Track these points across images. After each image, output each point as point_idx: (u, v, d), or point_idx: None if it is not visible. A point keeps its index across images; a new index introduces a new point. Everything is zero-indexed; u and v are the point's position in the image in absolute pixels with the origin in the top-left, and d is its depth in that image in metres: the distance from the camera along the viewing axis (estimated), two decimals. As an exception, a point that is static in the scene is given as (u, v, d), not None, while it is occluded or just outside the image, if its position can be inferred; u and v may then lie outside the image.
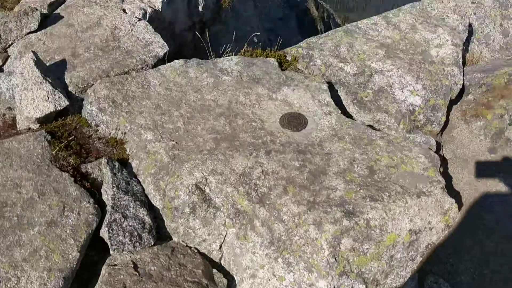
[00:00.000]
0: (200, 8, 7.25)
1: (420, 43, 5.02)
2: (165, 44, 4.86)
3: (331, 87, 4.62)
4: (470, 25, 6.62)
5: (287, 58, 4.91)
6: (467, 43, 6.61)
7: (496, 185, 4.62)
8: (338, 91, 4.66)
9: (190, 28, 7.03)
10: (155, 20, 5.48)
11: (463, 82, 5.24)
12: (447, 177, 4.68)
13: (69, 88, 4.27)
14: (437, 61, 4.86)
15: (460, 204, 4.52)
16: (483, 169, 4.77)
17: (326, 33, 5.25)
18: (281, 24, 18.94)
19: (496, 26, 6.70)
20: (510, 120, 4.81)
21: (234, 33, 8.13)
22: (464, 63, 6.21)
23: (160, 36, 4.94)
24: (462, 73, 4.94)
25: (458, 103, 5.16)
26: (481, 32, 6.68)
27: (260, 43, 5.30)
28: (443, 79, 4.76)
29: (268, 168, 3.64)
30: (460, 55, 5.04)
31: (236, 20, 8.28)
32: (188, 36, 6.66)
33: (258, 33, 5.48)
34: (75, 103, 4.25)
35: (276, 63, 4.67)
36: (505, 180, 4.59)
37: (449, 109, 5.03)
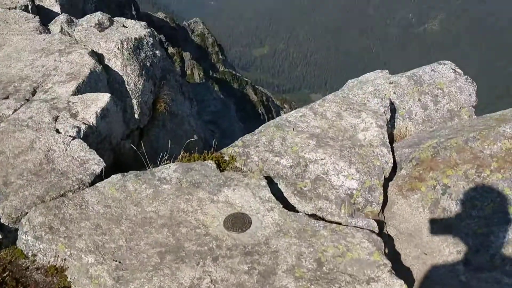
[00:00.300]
0: (136, 115, 7.40)
1: (347, 129, 5.33)
2: (101, 160, 4.86)
3: (271, 182, 4.73)
4: (392, 103, 7.14)
5: (225, 158, 5.02)
6: (392, 120, 7.07)
7: (442, 256, 4.74)
8: (278, 184, 4.77)
9: (128, 136, 7.11)
10: (90, 135, 5.51)
11: (394, 158, 5.54)
12: (396, 254, 4.77)
13: (2, 220, 4.11)
14: (366, 144, 5.15)
15: (411, 280, 4.58)
16: (428, 241, 4.91)
17: (259, 129, 5.47)
18: (221, 114, 19.55)
19: (415, 101, 7.26)
20: (442, 190, 5.06)
21: (173, 136, 8.27)
22: (393, 139, 6.60)
23: (95, 153, 4.95)
24: (390, 152, 5.23)
25: (394, 179, 5.40)
26: (403, 109, 7.20)
27: (197, 148, 5.42)
28: (374, 160, 5.01)
29: (216, 276, 3.58)
30: (386, 136, 5.36)
31: (174, 121, 8.48)
32: (126, 145, 6.70)
33: (194, 139, 5.62)
34: (9, 235, 4.07)
35: (214, 165, 4.76)
36: (449, 249, 4.73)
37: (385, 186, 5.24)
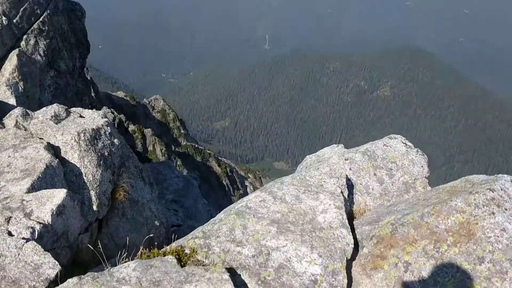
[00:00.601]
0: (95, 207, 7.24)
1: (307, 212, 5.39)
2: (56, 263, 4.67)
3: (234, 273, 4.65)
4: (349, 180, 7.32)
5: (186, 252, 4.93)
6: (351, 195, 7.22)
7: (411, 337, 4.69)
8: (241, 275, 4.69)
9: (86, 229, 6.90)
10: (45, 235, 5.32)
11: (355, 237, 5.60)
12: None
13: None
14: (326, 226, 5.20)
15: None
16: (396, 322, 4.87)
17: (220, 217, 5.45)
18: (183, 193, 19.33)
19: (371, 176, 7.48)
20: (404, 267, 5.11)
21: (133, 224, 8.10)
22: (353, 216, 6.71)
23: (50, 256, 4.76)
24: (350, 233, 5.29)
25: (356, 258, 5.42)
26: (361, 184, 7.39)
27: (157, 240, 5.31)
28: (336, 243, 5.05)
29: None
30: (345, 216, 5.45)
31: (134, 209, 8.33)
32: (84, 240, 6.50)
33: (152, 235, 5.52)
34: None
35: (175, 261, 4.66)
36: (417, 329, 4.70)
37: (349, 267, 5.24)
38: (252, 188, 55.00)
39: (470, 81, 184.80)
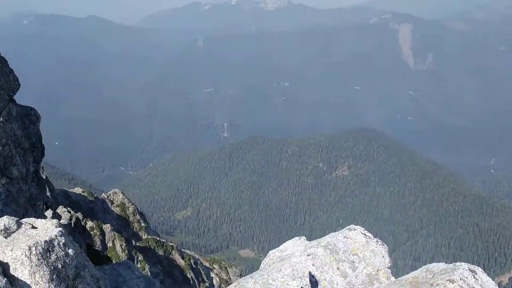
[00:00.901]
0: (46, 327, 6.73)
1: (271, 320, 5.23)
2: None
3: None
4: (313, 276, 7.23)
5: None
6: (316, 293, 7.09)
7: None
8: None
9: None
10: None
11: None
12: None
13: None
14: (292, 334, 5.03)
15: None
16: None
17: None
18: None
19: (335, 270, 7.43)
20: None
21: None
22: (320, 316, 6.54)
23: None
24: None
25: None
26: (325, 279, 7.31)
27: None
28: None
29: None
30: (311, 321, 5.31)
31: (90, 324, 7.79)
32: None
33: None
34: None
35: None
36: None
37: None
38: (218, 280, 53.10)
39: (422, 157, 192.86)
